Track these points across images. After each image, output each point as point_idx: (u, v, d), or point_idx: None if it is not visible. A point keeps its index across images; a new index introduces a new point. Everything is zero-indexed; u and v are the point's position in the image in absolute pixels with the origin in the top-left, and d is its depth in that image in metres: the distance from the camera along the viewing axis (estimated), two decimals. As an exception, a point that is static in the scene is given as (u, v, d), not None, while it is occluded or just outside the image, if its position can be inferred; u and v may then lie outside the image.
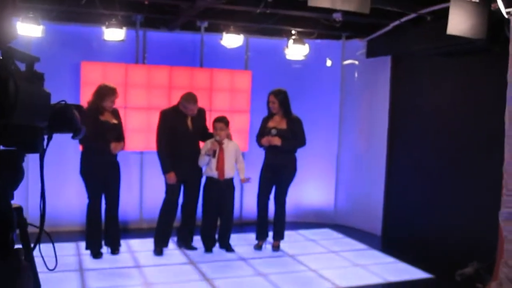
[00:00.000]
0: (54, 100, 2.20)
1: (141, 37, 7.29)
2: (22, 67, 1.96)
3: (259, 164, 6.56)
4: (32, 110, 1.80)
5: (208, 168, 6.17)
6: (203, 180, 6.31)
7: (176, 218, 6.33)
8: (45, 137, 1.99)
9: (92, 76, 6.77)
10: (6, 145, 1.83)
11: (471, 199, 5.94)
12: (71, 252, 6.18)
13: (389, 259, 6.40)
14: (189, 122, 6.12)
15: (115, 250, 6.07)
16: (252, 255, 6.33)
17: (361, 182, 7.90)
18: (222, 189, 6.22)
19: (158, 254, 6.14)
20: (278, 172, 6.44)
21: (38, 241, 1.94)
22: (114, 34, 6.59)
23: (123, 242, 6.26)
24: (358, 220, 7.91)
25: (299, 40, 7.22)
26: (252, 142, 6.98)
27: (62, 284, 5.10)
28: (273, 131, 6.33)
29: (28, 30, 6.22)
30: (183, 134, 6.07)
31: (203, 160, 6.13)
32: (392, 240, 7.20)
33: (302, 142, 6.43)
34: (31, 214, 6.94)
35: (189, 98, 6.03)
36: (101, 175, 5.83)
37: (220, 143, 6.13)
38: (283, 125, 6.37)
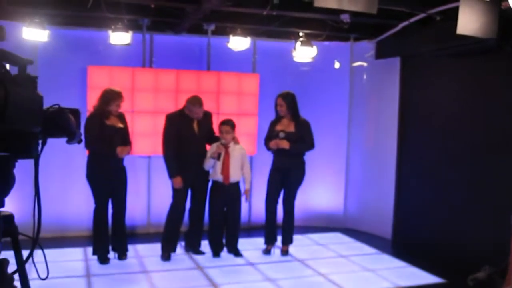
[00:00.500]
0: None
1: (148, 41, 7.26)
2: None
3: (267, 168, 6.48)
4: (24, 114, 1.75)
5: (214, 172, 6.11)
6: (210, 184, 6.24)
7: (183, 222, 6.28)
8: (39, 142, 1.94)
9: (99, 80, 6.75)
10: (-1, 151, 1.78)
11: (483, 202, 5.82)
12: (78, 257, 6.14)
13: (400, 264, 6.30)
14: (195, 126, 6.06)
15: (122, 256, 6.02)
16: (260, 259, 6.25)
17: (371, 186, 7.80)
18: (228, 193, 6.15)
19: (166, 259, 6.09)
20: (286, 175, 6.36)
21: (32, 249, 1.88)
22: (120, 38, 6.57)
23: (130, 247, 6.22)
24: (368, 224, 7.81)
25: (307, 42, 7.15)
26: (260, 146, 6.91)
27: (68, 290, 5.06)
28: (281, 134, 6.25)
29: (34, 35, 6.21)
30: (189, 138, 6.02)
31: (208, 163, 6.07)
32: (403, 244, 7.08)
33: (310, 145, 6.36)
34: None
35: (195, 101, 5.97)
36: (107, 180, 5.79)
37: (226, 147, 6.07)
38: (291, 128, 6.30)
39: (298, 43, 7.16)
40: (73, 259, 6.06)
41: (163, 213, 6.24)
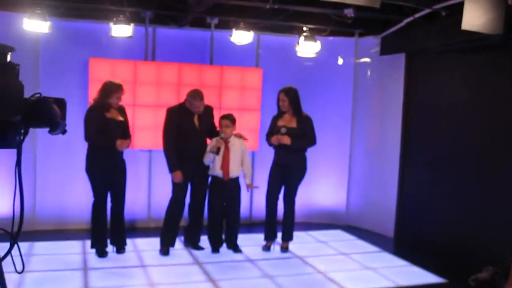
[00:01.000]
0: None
1: (151, 34, 7.20)
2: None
3: (269, 163, 6.42)
4: (1, 102, 1.69)
5: (213, 167, 6.05)
6: (210, 178, 6.19)
7: (183, 217, 6.23)
8: (21, 131, 1.88)
9: (101, 73, 6.70)
10: (-26, 140, 1.73)
11: (487, 201, 5.73)
12: (76, 250, 6.11)
13: (401, 262, 6.22)
14: (195, 120, 6.00)
15: (120, 249, 5.98)
16: (260, 256, 6.19)
17: (374, 183, 7.72)
18: (228, 189, 6.10)
19: (164, 254, 6.04)
20: (287, 171, 6.29)
21: (14, 243, 1.82)
22: (122, 30, 6.52)
23: (129, 241, 6.17)
24: (370, 222, 7.73)
25: (311, 37, 7.06)
26: (262, 141, 6.84)
27: (64, 283, 5.03)
28: (283, 130, 6.18)
29: (35, 26, 6.17)
30: (189, 132, 5.96)
31: (208, 158, 6.01)
32: (405, 242, 7.00)
33: (312, 141, 6.28)
34: (38, 212, 6.94)
35: (195, 94, 5.91)
36: (106, 173, 5.75)
37: (225, 141, 6.01)
38: (293, 124, 6.23)
39: (302, 38, 7.07)
40: (72, 252, 6.03)
41: (163, 207, 6.18)
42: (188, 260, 5.92)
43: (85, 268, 5.49)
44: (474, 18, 4.73)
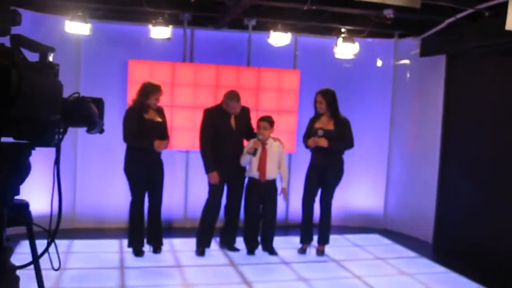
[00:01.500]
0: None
1: (189, 36, 7.26)
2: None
3: (306, 166, 6.37)
4: (40, 101, 1.71)
5: (250, 168, 6.05)
6: (246, 180, 6.19)
7: (219, 218, 6.25)
8: (60, 130, 1.90)
9: (139, 75, 6.78)
10: (15, 138, 1.75)
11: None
12: (114, 249, 6.19)
13: (440, 269, 6.08)
14: (232, 121, 6.02)
15: (157, 249, 6.03)
16: (295, 259, 6.15)
17: (413, 186, 7.58)
18: (264, 191, 6.08)
19: (200, 255, 6.07)
20: (324, 174, 6.24)
21: (52, 240, 1.84)
22: (160, 32, 6.59)
23: (166, 241, 6.23)
24: (408, 226, 7.59)
25: (349, 38, 6.98)
26: (299, 143, 6.80)
27: (101, 281, 5.10)
28: (320, 132, 6.13)
29: (76, 28, 6.30)
30: (226, 133, 5.98)
31: (245, 159, 6.01)
32: (444, 248, 6.84)
33: (350, 143, 6.21)
34: (78, 210, 7.08)
35: (232, 95, 5.93)
36: (144, 173, 5.81)
37: (263, 143, 5.99)
38: (330, 126, 6.17)
39: (340, 40, 7.00)
40: (109, 251, 6.12)
41: (200, 208, 6.22)
42: (224, 261, 5.93)
43: (121, 267, 5.56)
44: (519, 18, 4.59)
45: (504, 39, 5.37)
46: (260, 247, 6.28)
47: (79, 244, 6.32)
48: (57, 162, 1.91)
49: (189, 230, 6.89)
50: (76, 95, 1.92)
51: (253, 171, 6.03)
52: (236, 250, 6.26)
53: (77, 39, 6.77)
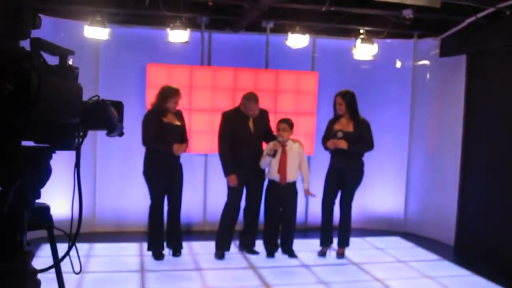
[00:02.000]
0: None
1: (206, 39, 7.27)
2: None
3: (325, 168, 6.34)
4: (60, 104, 1.71)
5: (270, 170, 6.03)
6: (266, 183, 6.16)
7: (238, 221, 6.23)
8: (80, 134, 1.90)
9: (158, 78, 6.80)
10: (35, 141, 1.75)
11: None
12: (133, 252, 6.22)
13: (463, 272, 5.99)
14: (250, 124, 6.00)
15: (176, 252, 6.04)
16: (315, 261, 6.12)
17: (434, 188, 7.48)
18: (284, 193, 6.05)
19: (219, 258, 6.06)
20: (344, 176, 6.19)
21: (73, 244, 1.84)
22: (178, 36, 6.61)
23: (185, 244, 6.24)
24: (429, 229, 7.49)
25: (368, 39, 6.94)
26: (318, 146, 6.76)
27: (121, 285, 5.13)
28: (339, 134, 6.08)
29: (95, 33, 6.35)
30: (244, 136, 5.97)
31: (264, 161, 5.99)
32: (466, 251, 6.74)
33: (369, 145, 6.16)
34: (98, 214, 7.12)
35: (250, 97, 5.92)
36: (163, 176, 5.83)
37: (283, 145, 5.97)
38: (350, 128, 6.12)
39: (359, 41, 6.96)
40: (129, 254, 6.15)
41: (219, 211, 6.22)
42: (243, 265, 5.91)
43: (142, 270, 5.57)
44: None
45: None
46: (279, 250, 6.25)
47: (99, 248, 6.36)
48: (77, 165, 1.91)
49: (209, 233, 6.89)
50: (96, 98, 1.92)
51: (273, 174, 6.01)
52: (256, 253, 6.24)
53: (96, 44, 6.82)
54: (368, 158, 6.29)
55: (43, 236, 2.00)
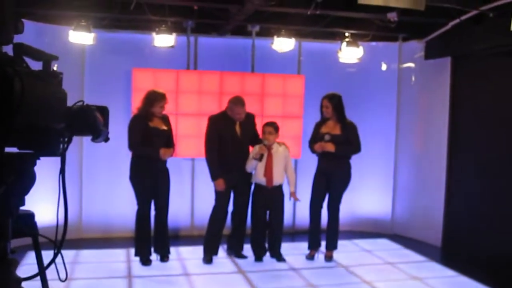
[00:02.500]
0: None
1: (192, 43, 7.26)
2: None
3: (312, 171, 6.34)
4: (44, 110, 1.70)
5: (256, 174, 6.02)
6: (252, 186, 6.16)
7: (226, 225, 6.21)
8: (64, 139, 1.88)
9: (144, 83, 6.77)
10: (19, 148, 1.74)
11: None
12: (121, 258, 6.17)
13: (450, 273, 6.02)
14: (237, 128, 5.99)
15: (164, 257, 6.00)
16: (303, 265, 6.11)
17: (421, 190, 7.53)
18: (271, 197, 6.05)
19: (208, 262, 6.03)
20: (331, 179, 6.20)
21: (58, 251, 1.82)
22: (164, 40, 6.58)
23: (173, 249, 6.20)
24: (417, 230, 7.53)
25: (353, 42, 6.97)
26: (305, 149, 6.77)
27: (109, 291, 5.08)
28: (327, 137, 6.09)
29: (80, 38, 6.30)
30: (231, 140, 5.96)
31: (250, 165, 5.98)
32: (453, 252, 6.78)
33: (356, 148, 6.17)
34: (84, 220, 7.06)
35: (236, 101, 5.91)
36: (150, 181, 5.79)
37: (268, 148, 5.97)
38: (337, 131, 6.14)
39: (344, 44, 6.99)
40: (116, 260, 6.10)
41: (206, 215, 6.19)
42: (231, 269, 5.89)
43: (129, 276, 5.53)
44: (524, 19, 4.56)
45: (509, 40, 5.34)
46: (267, 253, 6.23)
47: (86, 254, 6.30)
48: (62, 171, 1.89)
49: (196, 238, 6.86)
50: (81, 103, 1.90)
51: (259, 177, 6.00)
52: (244, 257, 6.22)
53: (81, 49, 6.78)
54: (355, 161, 6.31)
55: (28, 243, 1.97)
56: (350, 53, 7.06)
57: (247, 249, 6.25)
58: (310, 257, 6.32)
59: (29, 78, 1.58)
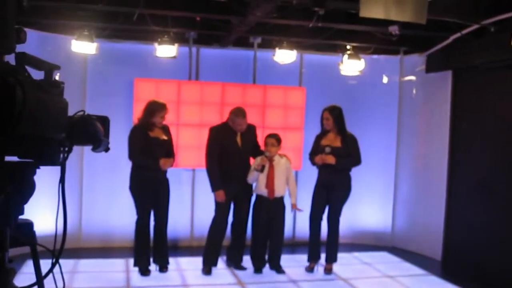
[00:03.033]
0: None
1: (194, 54, 7.28)
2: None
3: (313, 183, 6.33)
4: (46, 119, 1.70)
5: (258, 185, 6.02)
6: (253, 198, 6.14)
7: (226, 236, 6.20)
8: (65, 149, 1.88)
9: (145, 93, 6.79)
10: (20, 157, 1.74)
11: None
12: (120, 268, 6.15)
13: (450, 286, 6.00)
14: (238, 139, 6.00)
15: (163, 268, 5.98)
16: (303, 277, 6.09)
17: (421, 203, 7.51)
18: (272, 208, 6.03)
19: (207, 273, 6.01)
20: (331, 191, 6.19)
21: (56, 260, 1.81)
22: (166, 50, 6.61)
23: (172, 260, 6.18)
24: (417, 244, 7.50)
25: (355, 55, 7.00)
26: (306, 161, 6.76)
27: (107, 301, 5.05)
28: (327, 149, 6.09)
29: (83, 47, 6.33)
30: (232, 151, 5.96)
31: (252, 177, 5.98)
32: (453, 265, 6.75)
33: (357, 161, 6.17)
34: (84, 229, 7.04)
35: (238, 112, 5.92)
36: (150, 191, 5.79)
37: (270, 160, 5.97)
38: (338, 143, 6.14)
39: (346, 56, 7.02)
40: (115, 270, 6.08)
41: (206, 226, 6.18)
42: (231, 280, 5.87)
43: (128, 286, 5.51)
44: (525, 33, 4.58)
45: (510, 54, 5.35)
46: (267, 265, 6.21)
47: (85, 264, 6.28)
48: (62, 180, 1.89)
49: (196, 249, 6.84)
50: (81, 113, 1.91)
51: (261, 189, 6.00)
52: (243, 268, 6.19)
53: (84, 58, 6.81)
54: (355, 173, 6.30)
55: (26, 252, 1.97)
56: (351, 66, 7.09)
57: (247, 260, 6.23)
58: (310, 269, 6.30)
59: (31, 88, 1.58)
